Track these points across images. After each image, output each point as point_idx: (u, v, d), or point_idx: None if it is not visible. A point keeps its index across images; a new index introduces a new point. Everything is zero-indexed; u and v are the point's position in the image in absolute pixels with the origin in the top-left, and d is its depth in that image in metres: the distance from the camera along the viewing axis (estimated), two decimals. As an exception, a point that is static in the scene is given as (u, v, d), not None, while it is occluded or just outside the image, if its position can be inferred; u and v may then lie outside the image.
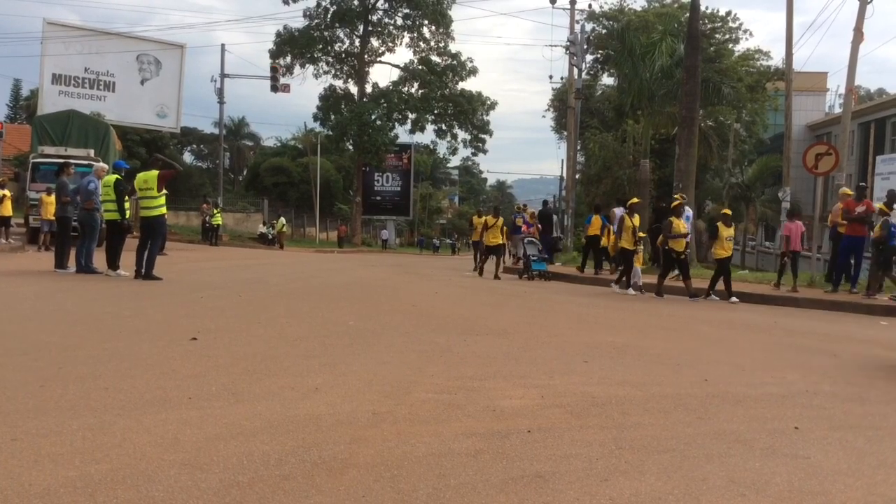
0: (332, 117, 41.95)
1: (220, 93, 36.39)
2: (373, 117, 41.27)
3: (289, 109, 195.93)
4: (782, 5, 19.17)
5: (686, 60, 18.85)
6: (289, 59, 42.15)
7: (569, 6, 30.35)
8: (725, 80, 26.71)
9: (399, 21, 43.09)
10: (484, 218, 19.26)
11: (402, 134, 45.92)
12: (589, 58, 32.29)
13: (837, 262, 12.85)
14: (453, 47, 43.67)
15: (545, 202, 24.50)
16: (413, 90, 43.63)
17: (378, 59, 44.57)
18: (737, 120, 35.52)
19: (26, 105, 50.27)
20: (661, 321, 8.97)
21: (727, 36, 33.36)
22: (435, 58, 43.38)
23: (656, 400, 4.28)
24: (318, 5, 41.39)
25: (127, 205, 11.43)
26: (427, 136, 47.05)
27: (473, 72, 43.42)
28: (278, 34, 41.89)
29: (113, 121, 28.66)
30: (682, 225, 12.51)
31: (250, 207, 45.30)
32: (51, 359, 4.71)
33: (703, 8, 25.59)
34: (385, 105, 42.31)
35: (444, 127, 44.57)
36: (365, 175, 46.56)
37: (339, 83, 44.12)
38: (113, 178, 11.40)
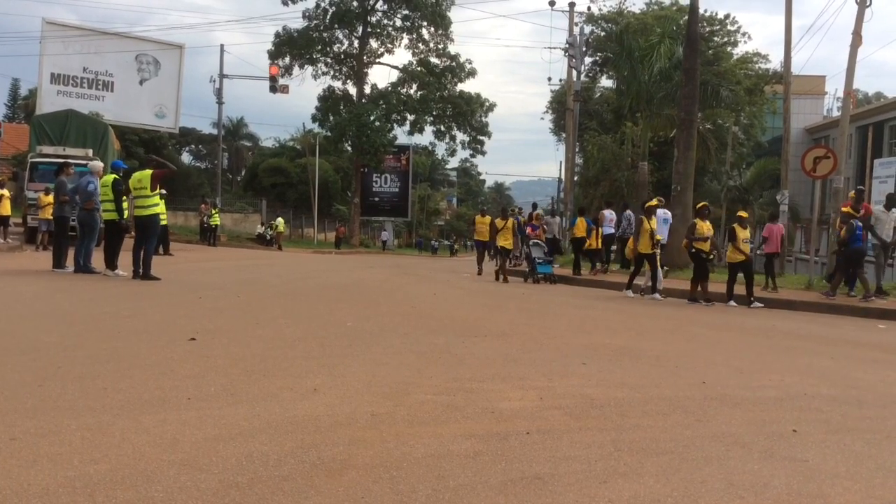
0: (331, 118, 41.94)
1: (218, 93, 36.42)
2: (371, 118, 41.27)
3: (287, 110, 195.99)
4: (781, 8, 19.23)
5: (685, 63, 18.89)
6: (288, 59, 42.18)
7: (568, 8, 30.44)
8: (724, 83, 26.78)
9: (398, 22, 43.14)
10: (488, 218, 19.15)
11: (401, 135, 46.01)
12: (588, 60, 32.37)
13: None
14: (452, 49, 43.78)
15: (534, 205, 24.53)
16: (412, 91, 43.64)
17: (377, 60, 44.61)
18: (735, 123, 35.56)
19: (25, 104, 50.25)
20: (659, 323, 8.98)
21: (726, 39, 33.39)
22: (434, 59, 43.43)
23: (655, 402, 4.29)
24: (318, 6, 41.44)
25: (125, 205, 11.43)
26: (425, 138, 46.91)
27: (472, 73, 43.47)
28: (277, 35, 41.93)
29: (111, 121, 28.65)
30: (705, 227, 12.12)
31: (248, 208, 45.25)
32: (49, 358, 4.70)
33: (701, 11, 25.68)
34: (384, 106, 42.32)
35: (442, 128, 44.58)
36: (363, 176, 46.53)
37: (337, 84, 44.21)
38: (111, 177, 11.41)
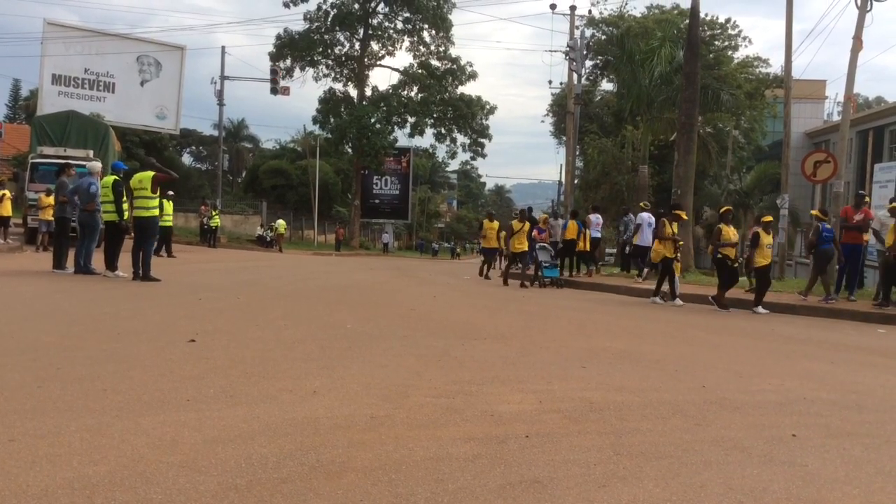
0: (332, 120, 42.01)
1: (219, 95, 36.42)
2: (372, 120, 41.31)
3: (288, 112, 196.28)
4: (782, 13, 19.23)
5: (685, 67, 18.90)
6: (289, 61, 42.25)
7: (569, 12, 30.44)
8: (724, 87, 26.79)
9: (399, 25, 43.25)
10: (497, 223, 19.05)
11: (402, 137, 46.11)
12: (588, 63, 32.35)
13: (840, 269, 12.87)
14: (453, 51, 43.90)
15: (529, 209, 24.49)
16: (412, 94, 43.73)
17: (378, 62, 44.68)
18: (735, 127, 35.60)
19: (25, 105, 50.33)
20: (659, 327, 8.98)
21: (726, 43, 33.41)
22: (435, 62, 43.49)
23: (654, 406, 4.29)
24: (319, 8, 41.51)
25: (125, 206, 11.43)
26: (426, 140, 47.11)
27: (473, 76, 43.53)
28: (278, 37, 42.01)
29: (112, 122, 28.69)
30: (731, 232, 11.85)
31: (249, 209, 45.25)
32: (49, 359, 4.70)
33: (702, 15, 25.72)
34: (384, 108, 42.37)
35: (443, 131, 44.63)
36: (363, 178, 46.57)
37: (338, 86, 44.28)
38: (111, 178, 11.41)
